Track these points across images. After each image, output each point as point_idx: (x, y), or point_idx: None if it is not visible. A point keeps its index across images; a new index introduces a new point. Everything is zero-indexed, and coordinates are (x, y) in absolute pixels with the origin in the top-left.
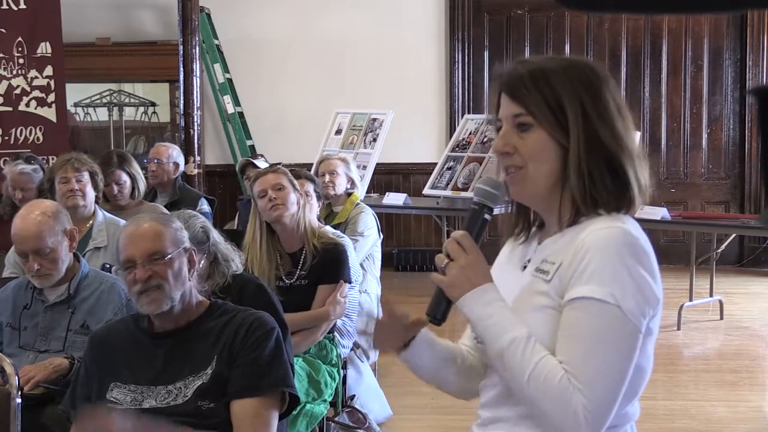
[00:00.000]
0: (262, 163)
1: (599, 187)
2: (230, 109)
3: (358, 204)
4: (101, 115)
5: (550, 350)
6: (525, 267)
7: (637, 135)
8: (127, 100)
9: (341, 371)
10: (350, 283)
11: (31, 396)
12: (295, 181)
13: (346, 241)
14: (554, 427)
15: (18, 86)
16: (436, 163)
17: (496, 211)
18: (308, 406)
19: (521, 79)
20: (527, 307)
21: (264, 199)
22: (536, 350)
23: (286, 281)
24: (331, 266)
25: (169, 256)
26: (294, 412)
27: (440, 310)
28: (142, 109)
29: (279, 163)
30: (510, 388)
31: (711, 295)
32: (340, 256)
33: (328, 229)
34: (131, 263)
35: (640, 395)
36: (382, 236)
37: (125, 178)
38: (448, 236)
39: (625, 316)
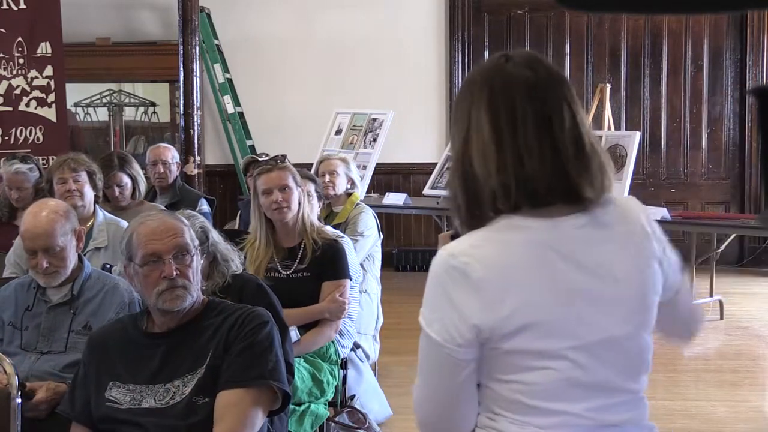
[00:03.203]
0: None
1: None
2: (230, 109)
3: (358, 204)
4: (101, 115)
5: None
6: None
7: (637, 135)
8: (127, 100)
9: (341, 371)
10: (351, 279)
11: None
12: (298, 176)
13: (346, 240)
14: None
15: (18, 86)
16: (436, 163)
17: None
18: (312, 406)
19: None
20: None
21: (268, 198)
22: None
23: (283, 273)
24: (333, 262)
25: (192, 253)
26: (299, 410)
27: None
28: (142, 109)
29: (285, 156)
30: None
31: (711, 295)
32: (341, 253)
33: (328, 229)
34: (156, 259)
35: (553, 408)
36: (382, 236)
37: (126, 180)
38: None
39: (432, 339)
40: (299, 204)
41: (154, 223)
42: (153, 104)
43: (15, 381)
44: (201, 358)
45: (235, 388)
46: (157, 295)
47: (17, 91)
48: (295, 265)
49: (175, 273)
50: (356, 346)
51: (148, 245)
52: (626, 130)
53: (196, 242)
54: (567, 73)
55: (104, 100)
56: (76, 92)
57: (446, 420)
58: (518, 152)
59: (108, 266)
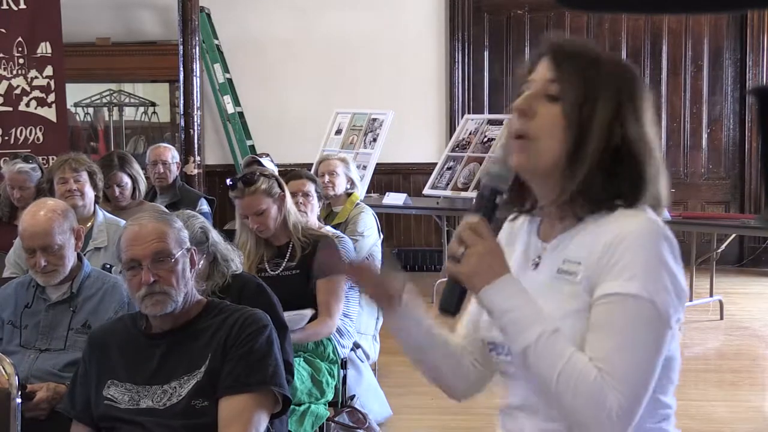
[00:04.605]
0: (267, 163)
1: (618, 185)
2: (230, 109)
3: (358, 204)
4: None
5: (581, 350)
6: (537, 265)
7: None
8: (127, 100)
9: (341, 371)
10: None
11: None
12: (276, 186)
13: (346, 240)
14: (584, 425)
15: (18, 86)
16: (436, 163)
17: None
18: (312, 406)
19: (574, 52)
20: (554, 310)
21: (247, 220)
22: (566, 345)
23: (271, 272)
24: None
25: (175, 257)
26: (299, 411)
27: (454, 302)
28: (142, 109)
29: (266, 155)
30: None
31: (711, 295)
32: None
33: (329, 229)
34: (136, 264)
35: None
36: (382, 236)
37: (126, 179)
38: (448, 236)
39: (658, 310)
40: (280, 212)
41: (137, 228)
42: (153, 104)
43: (15, 381)
44: (199, 360)
45: (237, 395)
46: (139, 300)
47: (17, 91)
48: (285, 264)
49: (152, 279)
50: (356, 346)
51: (128, 250)
52: None
53: (186, 244)
54: None
55: (104, 100)
56: (76, 92)
57: (645, 401)
58: None
59: (108, 266)
